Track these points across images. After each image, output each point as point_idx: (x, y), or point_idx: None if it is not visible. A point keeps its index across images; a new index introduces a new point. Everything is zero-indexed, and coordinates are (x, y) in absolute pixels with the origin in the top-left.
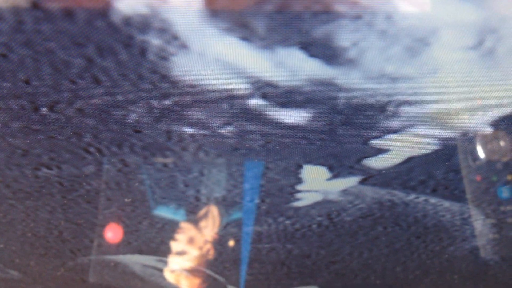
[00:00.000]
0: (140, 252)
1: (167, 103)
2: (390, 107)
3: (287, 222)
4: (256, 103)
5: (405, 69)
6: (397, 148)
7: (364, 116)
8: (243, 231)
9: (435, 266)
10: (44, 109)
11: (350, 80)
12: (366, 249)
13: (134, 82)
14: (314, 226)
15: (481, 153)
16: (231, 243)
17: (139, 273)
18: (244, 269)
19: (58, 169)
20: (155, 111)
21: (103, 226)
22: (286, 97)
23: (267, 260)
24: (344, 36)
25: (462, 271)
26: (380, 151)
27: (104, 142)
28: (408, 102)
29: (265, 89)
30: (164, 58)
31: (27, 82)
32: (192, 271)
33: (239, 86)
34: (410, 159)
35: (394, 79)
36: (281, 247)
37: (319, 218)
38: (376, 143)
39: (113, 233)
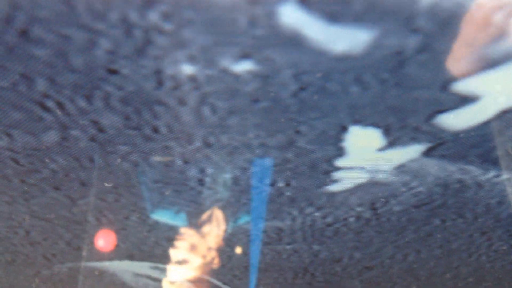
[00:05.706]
0: (131, 257)
1: (153, 16)
2: (496, 19)
3: (317, 214)
4: (291, 15)
5: None
6: (489, 95)
7: (452, 35)
8: (258, 227)
9: (495, 271)
10: None
11: None
12: (413, 250)
13: None
14: (352, 219)
15: None
16: (243, 245)
17: (130, 283)
18: (254, 277)
19: (8, 137)
20: (136, 32)
21: (79, 222)
22: (338, 1)
23: (287, 265)
24: None
25: None
26: (464, 100)
27: (66, 90)
28: None
29: None
30: None
31: None
32: (194, 281)
33: None
34: (503, 114)
35: None
36: (305, 249)
37: (359, 209)
38: (461, 87)
39: (94, 233)
